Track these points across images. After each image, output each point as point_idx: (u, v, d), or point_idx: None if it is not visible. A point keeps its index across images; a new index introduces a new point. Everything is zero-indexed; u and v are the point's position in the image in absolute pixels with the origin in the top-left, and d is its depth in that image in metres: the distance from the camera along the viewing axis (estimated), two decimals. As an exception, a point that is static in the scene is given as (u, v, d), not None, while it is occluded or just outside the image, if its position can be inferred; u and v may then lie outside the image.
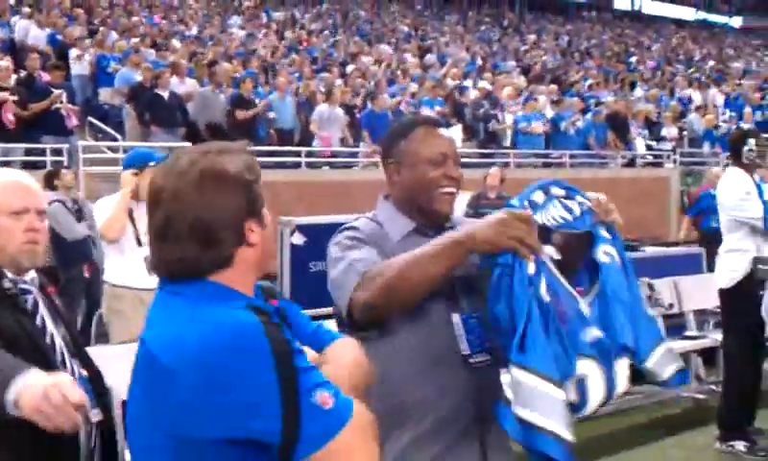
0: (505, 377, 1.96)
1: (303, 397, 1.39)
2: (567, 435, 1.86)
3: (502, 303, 1.95)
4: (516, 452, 2.17)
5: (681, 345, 6.94)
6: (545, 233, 2.11)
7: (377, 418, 1.52)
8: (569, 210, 2.18)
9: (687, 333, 7.09)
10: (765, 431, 5.69)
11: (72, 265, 8.31)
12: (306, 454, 1.40)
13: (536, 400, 1.85)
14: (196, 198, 1.53)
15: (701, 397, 6.83)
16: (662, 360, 2.17)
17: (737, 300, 5.50)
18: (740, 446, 5.54)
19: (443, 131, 2.37)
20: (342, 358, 1.65)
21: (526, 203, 2.15)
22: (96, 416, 2.18)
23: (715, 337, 6.48)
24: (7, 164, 11.23)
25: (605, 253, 2.17)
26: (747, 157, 5.52)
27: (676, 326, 7.26)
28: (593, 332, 2.05)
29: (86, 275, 8.35)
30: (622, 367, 2.11)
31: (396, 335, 2.14)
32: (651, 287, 7.04)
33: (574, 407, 1.98)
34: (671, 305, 7.13)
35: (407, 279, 1.98)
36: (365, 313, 2.04)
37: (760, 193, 5.44)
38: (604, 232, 2.20)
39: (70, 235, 8.14)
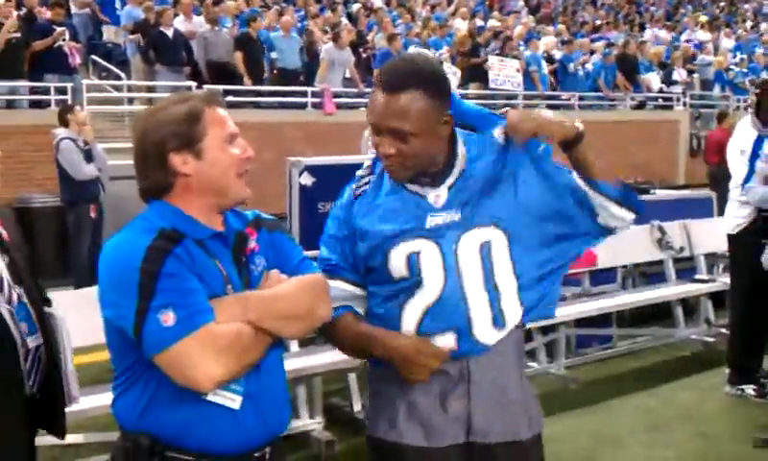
0: None
1: (151, 311, 1.76)
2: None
3: None
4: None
5: (691, 288, 6.93)
6: None
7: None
8: None
9: (698, 277, 7.06)
10: (774, 375, 5.68)
11: (78, 204, 8.27)
12: (148, 355, 1.79)
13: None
14: (137, 139, 1.91)
15: (710, 339, 6.82)
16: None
17: (741, 246, 5.46)
18: (749, 390, 5.52)
19: (384, 92, 2.05)
20: (282, 288, 1.95)
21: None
22: (34, 341, 2.28)
23: (725, 280, 6.43)
24: (12, 103, 11.19)
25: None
26: None
27: (686, 269, 7.23)
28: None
29: (92, 215, 8.29)
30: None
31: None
32: (662, 230, 6.99)
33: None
34: (682, 249, 7.08)
35: (337, 341, 2.28)
36: None
37: (756, 155, 5.31)
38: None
39: (77, 175, 8.08)
